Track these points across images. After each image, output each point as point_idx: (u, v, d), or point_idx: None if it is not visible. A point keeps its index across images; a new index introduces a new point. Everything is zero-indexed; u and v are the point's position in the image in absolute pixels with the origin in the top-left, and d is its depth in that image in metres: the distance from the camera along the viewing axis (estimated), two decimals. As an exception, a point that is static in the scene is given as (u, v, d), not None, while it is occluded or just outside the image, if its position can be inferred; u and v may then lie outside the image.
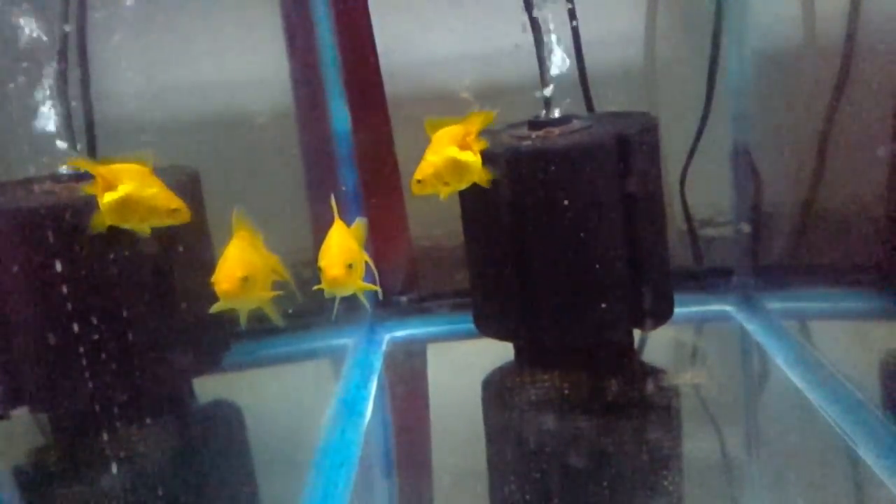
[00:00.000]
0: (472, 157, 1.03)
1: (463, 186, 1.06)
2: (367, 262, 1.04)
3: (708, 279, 1.72)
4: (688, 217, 1.81)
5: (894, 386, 1.27)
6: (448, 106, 1.79)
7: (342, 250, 0.96)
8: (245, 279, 0.95)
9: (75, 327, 1.31)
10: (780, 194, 1.73)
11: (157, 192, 1.02)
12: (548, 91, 1.44)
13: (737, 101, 1.69)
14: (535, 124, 1.45)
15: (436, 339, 1.73)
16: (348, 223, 1.04)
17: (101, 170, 1.01)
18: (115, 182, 1.00)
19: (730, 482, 1.20)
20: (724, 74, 1.69)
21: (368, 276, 1.06)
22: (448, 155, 1.00)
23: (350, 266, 0.94)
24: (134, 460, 1.30)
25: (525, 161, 1.37)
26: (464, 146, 1.02)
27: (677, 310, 1.49)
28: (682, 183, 1.78)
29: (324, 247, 0.98)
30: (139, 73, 1.60)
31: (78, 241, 1.30)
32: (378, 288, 1.12)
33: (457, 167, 1.01)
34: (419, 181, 0.99)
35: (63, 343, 1.33)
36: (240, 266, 0.96)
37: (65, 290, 1.30)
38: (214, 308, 0.98)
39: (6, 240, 1.33)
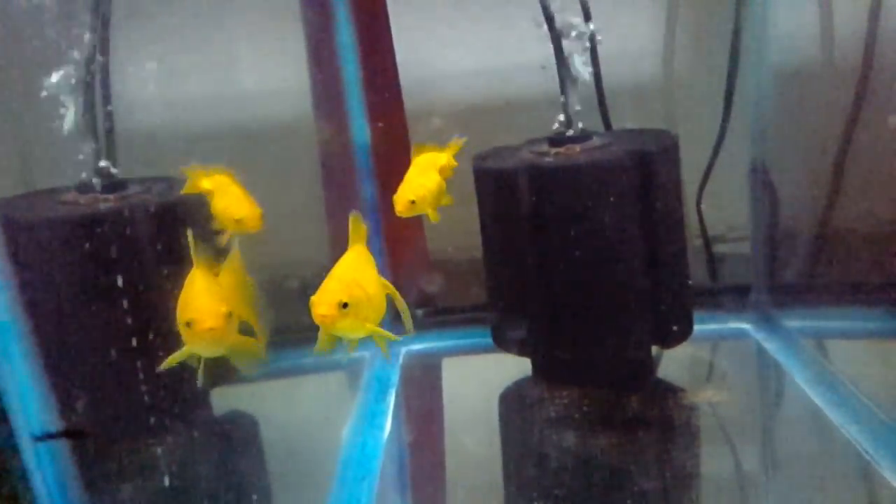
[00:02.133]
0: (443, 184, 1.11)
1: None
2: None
3: (725, 296, 1.72)
4: (704, 234, 1.81)
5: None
6: (464, 119, 1.81)
7: (342, 285, 0.81)
8: (229, 315, 0.83)
9: (94, 337, 1.32)
10: (798, 211, 1.73)
11: (227, 202, 1.06)
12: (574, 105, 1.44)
13: (755, 118, 1.70)
14: (555, 141, 1.45)
15: (452, 352, 1.73)
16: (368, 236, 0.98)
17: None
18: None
19: (747, 498, 1.19)
20: (742, 91, 1.70)
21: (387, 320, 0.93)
22: (437, 179, 1.08)
23: (345, 306, 0.80)
24: (150, 472, 1.30)
25: (546, 177, 1.37)
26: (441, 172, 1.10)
27: (695, 327, 1.48)
28: (698, 199, 1.78)
29: (328, 276, 0.85)
30: (161, 84, 1.62)
31: (100, 252, 1.31)
32: (394, 337, 0.96)
33: (440, 191, 1.09)
34: (413, 202, 1.04)
35: (82, 353, 1.34)
36: (220, 302, 0.82)
37: (87, 300, 1.31)
38: (171, 360, 0.84)
39: (30, 251, 1.34)
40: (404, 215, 1.04)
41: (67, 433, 0.71)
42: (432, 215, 1.07)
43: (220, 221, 1.09)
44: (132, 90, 1.55)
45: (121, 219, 1.32)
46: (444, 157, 1.10)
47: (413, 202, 1.04)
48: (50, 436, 0.70)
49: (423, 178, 1.06)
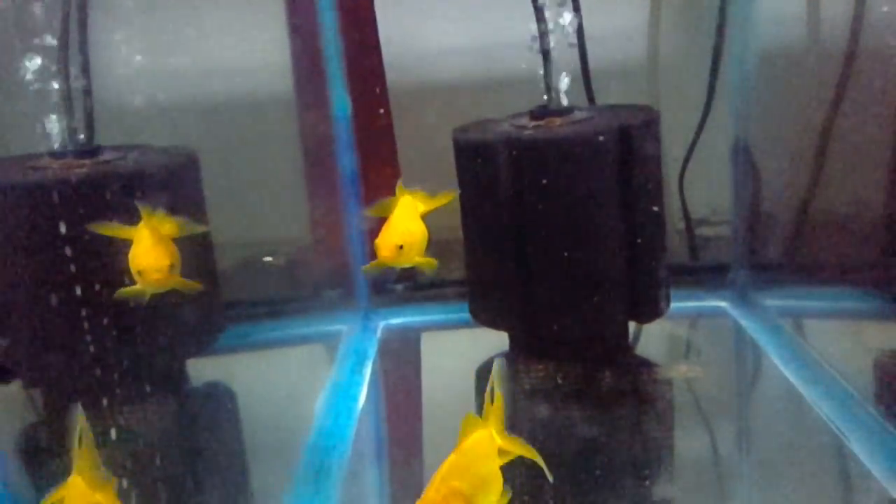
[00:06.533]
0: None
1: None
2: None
3: (704, 275, 1.73)
4: (686, 213, 1.81)
5: (887, 383, 1.28)
6: (446, 96, 1.79)
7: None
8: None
9: (70, 304, 1.31)
10: (779, 192, 1.73)
11: (135, 251, 0.99)
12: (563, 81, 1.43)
13: (738, 99, 1.69)
14: (536, 114, 1.44)
15: (430, 327, 1.73)
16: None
17: None
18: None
19: (720, 473, 1.20)
20: (727, 71, 1.69)
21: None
22: (423, 227, 1.01)
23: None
24: (125, 439, 1.29)
25: (525, 150, 1.36)
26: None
27: (673, 305, 1.49)
28: (681, 179, 1.78)
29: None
30: (140, 56, 1.59)
31: (73, 217, 1.29)
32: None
33: (424, 239, 1.03)
34: (401, 247, 0.96)
35: (57, 319, 1.32)
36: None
37: (60, 265, 1.30)
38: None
39: (2, 215, 1.32)
40: (388, 262, 0.96)
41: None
42: (426, 263, 1.01)
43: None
44: (110, 63, 1.53)
45: (93, 184, 1.30)
46: (423, 207, 1.04)
47: (401, 248, 0.96)
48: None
49: (411, 224, 0.99)
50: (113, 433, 1.29)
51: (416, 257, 0.98)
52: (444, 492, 0.71)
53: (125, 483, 1.13)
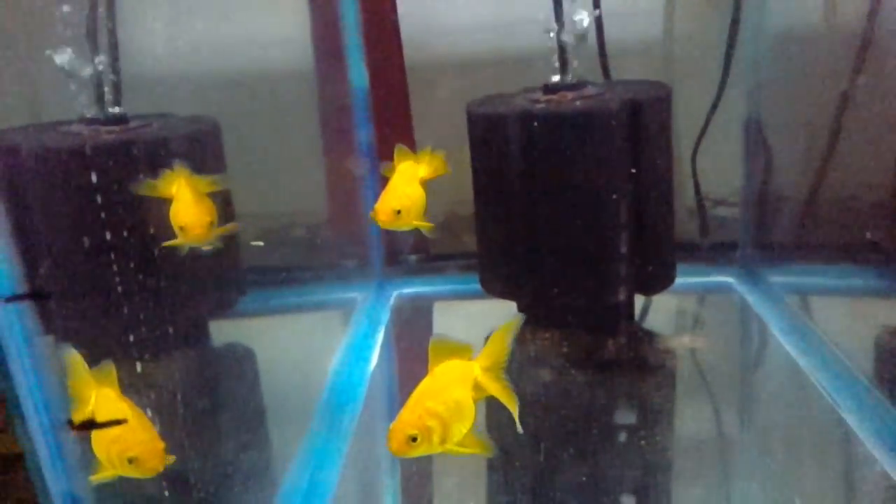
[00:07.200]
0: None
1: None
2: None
3: (713, 251, 1.75)
4: (697, 189, 1.83)
5: (885, 357, 1.30)
6: (463, 70, 1.82)
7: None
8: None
9: (100, 262, 1.37)
10: (789, 171, 1.74)
11: (176, 208, 1.04)
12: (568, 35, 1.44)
13: (753, 78, 1.70)
14: (549, 88, 1.47)
15: (442, 297, 1.78)
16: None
17: None
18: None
19: (717, 438, 1.24)
20: (742, 51, 1.70)
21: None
22: (421, 191, 1.03)
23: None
24: (151, 392, 1.36)
25: (537, 123, 1.39)
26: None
27: (681, 280, 1.52)
28: (693, 157, 1.79)
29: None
30: (163, 28, 1.63)
31: (103, 180, 1.35)
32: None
33: (423, 203, 1.04)
34: (399, 212, 0.99)
35: (88, 277, 1.39)
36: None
37: (91, 225, 1.36)
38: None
39: (35, 178, 1.39)
40: (387, 226, 0.99)
41: (33, 295, 0.77)
42: (425, 227, 1.03)
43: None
44: (133, 36, 1.57)
45: (121, 149, 1.36)
46: (424, 170, 1.05)
47: (398, 212, 0.98)
48: (17, 297, 0.75)
49: (408, 189, 1.01)
50: (138, 384, 1.36)
51: (413, 221, 1.00)
52: (420, 412, 0.73)
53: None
